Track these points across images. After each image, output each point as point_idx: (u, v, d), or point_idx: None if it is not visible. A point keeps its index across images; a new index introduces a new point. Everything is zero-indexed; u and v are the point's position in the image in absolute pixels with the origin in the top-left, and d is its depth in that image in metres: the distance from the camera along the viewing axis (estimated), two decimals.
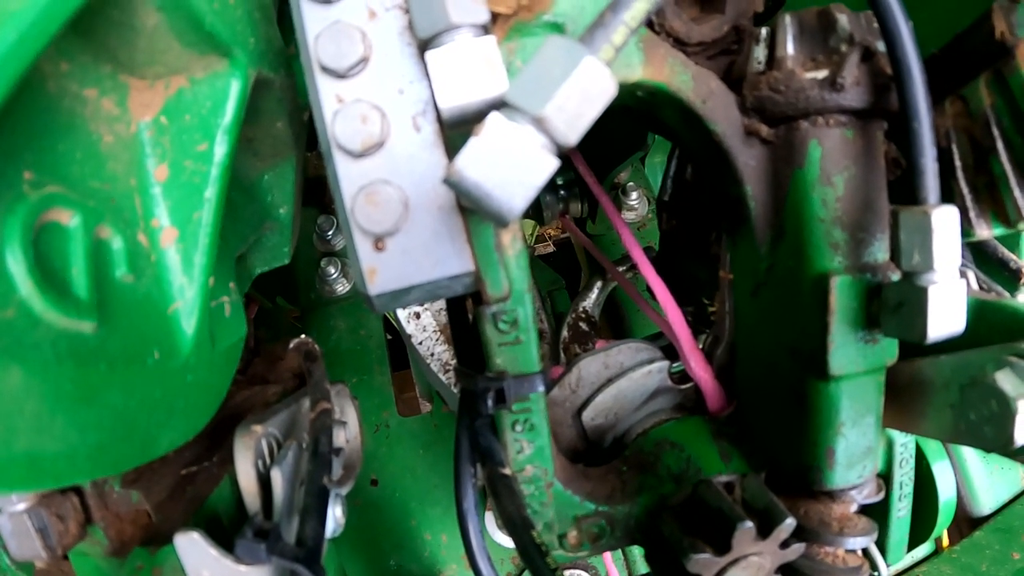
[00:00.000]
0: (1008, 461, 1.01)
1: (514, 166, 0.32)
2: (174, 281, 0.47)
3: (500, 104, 0.34)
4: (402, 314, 0.84)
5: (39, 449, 0.35)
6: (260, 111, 0.55)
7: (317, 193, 1.14)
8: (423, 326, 0.82)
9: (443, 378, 0.82)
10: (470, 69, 0.35)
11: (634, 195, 1.15)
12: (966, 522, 1.04)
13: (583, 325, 1.02)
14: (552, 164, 0.33)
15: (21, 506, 0.52)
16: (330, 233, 1.10)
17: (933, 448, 0.84)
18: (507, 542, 1.01)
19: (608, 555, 0.98)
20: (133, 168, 0.46)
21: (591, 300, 1.02)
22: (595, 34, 0.34)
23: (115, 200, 0.45)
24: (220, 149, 0.47)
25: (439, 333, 0.83)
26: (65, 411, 0.37)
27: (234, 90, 0.47)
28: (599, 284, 1.02)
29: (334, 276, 1.07)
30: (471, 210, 0.41)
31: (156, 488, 0.59)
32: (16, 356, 0.35)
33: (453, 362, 0.82)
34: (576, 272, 1.27)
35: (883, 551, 0.68)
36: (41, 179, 0.39)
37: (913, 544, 0.86)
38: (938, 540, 1.02)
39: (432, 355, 0.82)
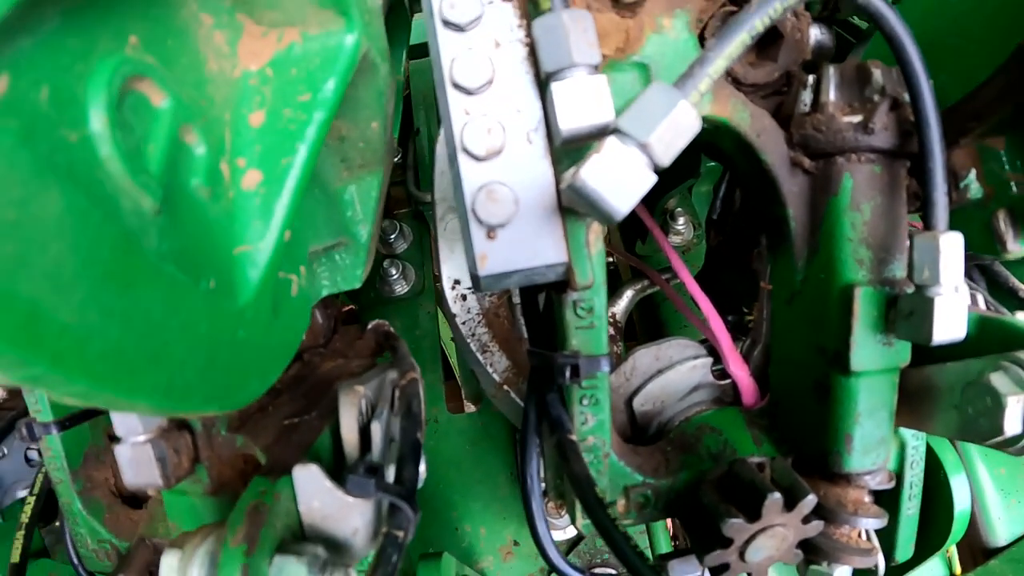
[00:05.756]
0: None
1: (624, 178, 0.42)
2: (249, 222, 0.44)
3: (609, 130, 0.44)
4: (449, 294, 0.85)
5: (44, 305, 0.28)
6: (359, 102, 0.55)
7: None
8: (467, 308, 0.83)
9: (481, 358, 0.83)
10: (585, 99, 0.45)
11: (681, 220, 1.23)
12: (981, 552, 1.08)
13: (610, 329, 1.00)
14: (652, 179, 0.42)
15: (143, 437, 0.57)
16: (392, 237, 1.18)
17: (951, 461, 0.89)
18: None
19: None
20: (229, 105, 0.44)
21: (621, 306, 1.03)
22: (686, 82, 0.44)
23: (207, 119, 0.42)
24: (324, 99, 0.45)
25: (481, 316, 0.84)
26: (89, 280, 0.30)
27: (348, 44, 0.46)
28: (629, 293, 1.04)
29: (395, 277, 1.15)
30: (569, 210, 0.50)
31: (263, 434, 0.64)
32: (66, 181, 0.30)
33: (492, 344, 0.84)
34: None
35: (892, 547, 0.75)
36: (146, 50, 0.38)
37: (929, 551, 0.92)
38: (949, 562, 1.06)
39: (473, 335, 0.83)
